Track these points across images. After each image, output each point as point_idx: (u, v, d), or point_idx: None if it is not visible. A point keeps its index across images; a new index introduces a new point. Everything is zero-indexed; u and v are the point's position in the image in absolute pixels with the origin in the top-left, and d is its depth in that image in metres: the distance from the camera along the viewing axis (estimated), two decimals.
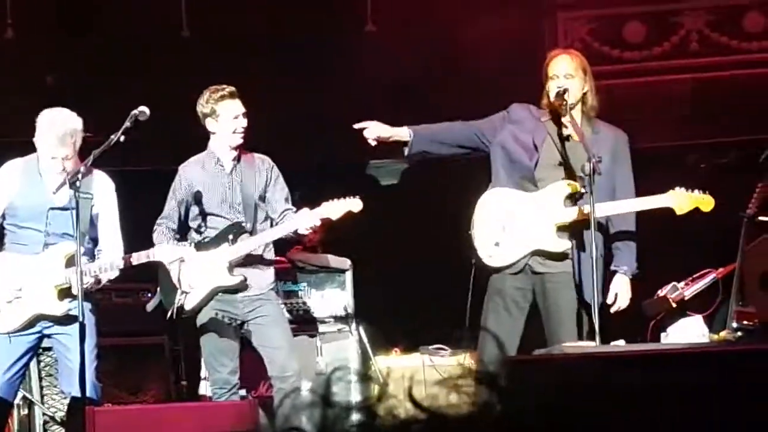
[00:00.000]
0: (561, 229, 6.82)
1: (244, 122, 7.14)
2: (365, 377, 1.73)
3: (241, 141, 7.17)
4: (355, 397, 1.70)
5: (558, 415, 1.76)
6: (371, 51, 9.79)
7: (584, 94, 6.93)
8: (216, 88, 7.16)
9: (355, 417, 1.72)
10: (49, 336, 6.77)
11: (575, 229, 6.81)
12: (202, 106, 7.17)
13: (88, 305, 6.52)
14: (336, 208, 6.93)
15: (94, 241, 6.86)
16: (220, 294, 7.12)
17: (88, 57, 10.01)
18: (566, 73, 6.88)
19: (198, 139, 7.45)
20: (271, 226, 7.22)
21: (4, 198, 6.66)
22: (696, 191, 6.78)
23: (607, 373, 3.06)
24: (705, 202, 6.76)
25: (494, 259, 6.87)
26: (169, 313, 7.17)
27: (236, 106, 7.12)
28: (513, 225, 6.84)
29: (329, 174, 11.28)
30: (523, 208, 6.84)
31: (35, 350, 6.90)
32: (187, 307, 7.10)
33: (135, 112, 6.66)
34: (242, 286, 7.08)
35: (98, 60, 10.01)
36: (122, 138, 6.57)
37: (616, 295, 6.88)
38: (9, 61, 9.94)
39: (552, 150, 6.90)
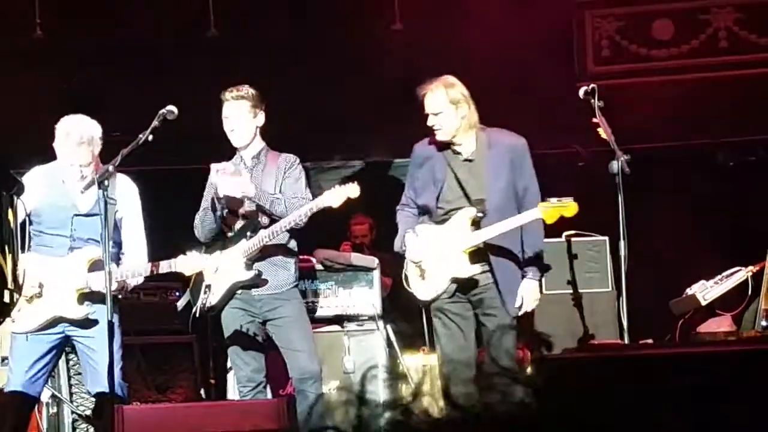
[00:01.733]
0: (472, 254, 6.88)
1: (231, 125, 7.15)
2: (399, 376, 1.72)
3: (236, 144, 7.18)
4: (389, 395, 1.70)
5: (588, 413, 1.75)
6: (398, 49, 9.79)
7: (463, 118, 6.90)
8: (227, 89, 7.20)
9: (390, 415, 1.71)
10: (72, 338, 6.79)
11: (491, 249, 6.87)
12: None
13: (113, 308, 6.53)
14: (336, 196, 6.97)
15: (119, 245, 6.87)
16: (240, 292, 7.13)
17: (115, 56, 10.04)
18: (433, 112, 6.92)
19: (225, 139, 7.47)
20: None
21: (29, 204, 6.65)
22: (557, 200, 6.73)
23: (639, 372, 3.04)
24: (567, 208, 6.73)
25: (422, 293, 7.03)
26: (194, 311, 7.19)
27: (230, 109, 7.17)
28: (431, 259, 6.96)
29: (354, 172, 11.30)
30: (436, 241, 6.94)
31: (60, 350, 6.91)
32: (210, 304, 7.12)
33: (163, 111, 6.66)
34: (258, 281, 7.09)
35: (125, 59, 10.05)
36: (150, 137, 6.58)
37: (523, 297, 6.89)
38: (38, 60, 9.98)
39: (452, 179, 6.95)
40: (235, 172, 7.07)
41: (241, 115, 7.14)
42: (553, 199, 6.71)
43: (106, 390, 6.43)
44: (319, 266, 8.27)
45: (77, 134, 6.72)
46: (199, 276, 7.17)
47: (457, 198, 6.93)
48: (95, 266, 6.64)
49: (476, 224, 6.86)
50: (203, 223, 7.19)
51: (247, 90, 7.17)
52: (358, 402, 1.70)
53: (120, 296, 6.76)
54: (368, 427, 1.69)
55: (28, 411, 6.89)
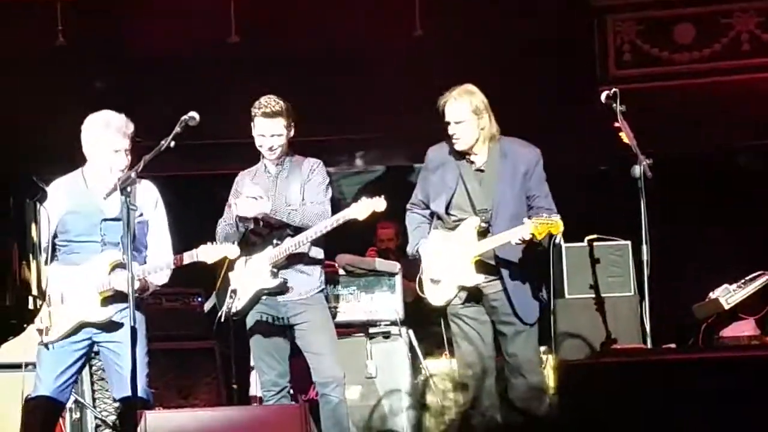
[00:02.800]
0: (478, 263, 6.91)
1: (269, 142, 7.17)
2: (460, 385, 1.72)
3: (270, 157, 7.22)
4: (446, 402, 1.71)
5: (612, 418, 1.76)
6: (419, 55, 9.80)
7: (482, 129, 6.91)
8: (261, 101, 7.19)
9: (450, 420, 1.72)
10: (98, 343, 6.80)
11: (501, 259, 6.88)
12: (250, 114, 7.23)
13: (138, 314, 6.54)
14: (362, 209, 6.99)
15: (143, 249, 6.88)
16: (265, 298, 7.16)
17: (137, 62, 10.07)
18: (455, 120, 6.91)
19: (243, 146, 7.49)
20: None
21: (54, 218, 6.66)
22: (546, 216, 6.70)
23: (662, 377, 3.04)
24: (553, 225, 6.71)
25: (434, 299, 7.09)
26: (219, 315, 7.21)
27: (267, 126, 7.15)
28: (440, 266, 7.00)
29: (375, 178, 11.32)
30: (445, 249, 6.98)
31: (87, 357, 6.93)
32: (234, 309, 7.14)
33: (185, 117, 6.66)
34: (283, 288, 7.12)
35: (147, 65, 10.08)
36: (173, 143, 6.59)
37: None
38: (60, 68, 10.02)
39: (462, 188, 6.97)
40: (251, 195, 7.10)
41: (276, 132, 7.16)
42: (544, 215, 6.71)
43: (131, 395, 6.45)
44: (341, 271, 8.28)
45: (118, 120, 6.75)
46: (226, 280, 7.20)
47: (464, 207, 6.96)
48: (116, 268, 6.67)
49: (482, 234, 6.89)
50: (226, 235, 7.21)
51: (281, 105, 7.17)
52: (420, 407, 1.71)
53: (143, 296, 6.77)
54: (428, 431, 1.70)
55: (54, 417, 6.90)
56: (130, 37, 10.08)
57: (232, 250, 6.91)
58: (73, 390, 7.07)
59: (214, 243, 6.90)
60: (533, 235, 6.67)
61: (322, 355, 7.12)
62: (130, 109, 6.91)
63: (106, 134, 6.74)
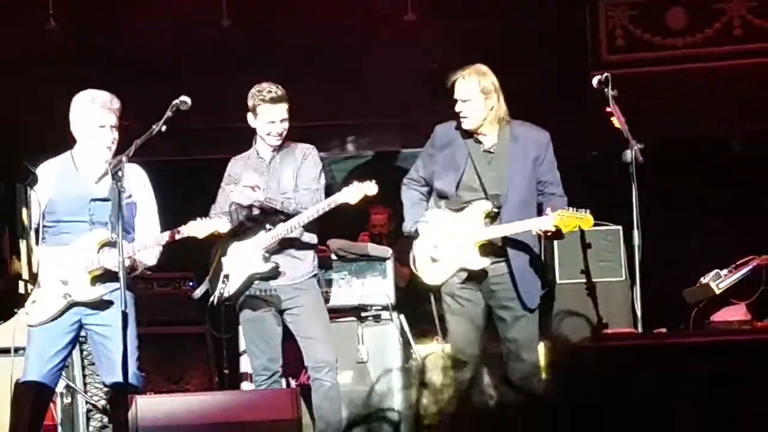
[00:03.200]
0: (483, 246, 6.88)
1: (279, 127, 7.17)
2: (458, 363, 1.72)
3: (276, 143, 7.20)
4: (446, 381, 1.71)
5: (604, 402, 1.75)
6: (411, 40, 9.78)
7: (491, 109, 6.88)
8: (263, 88, 7.18)
9: (449, 399, 1.72)
10: (86, 326, 6.78)
11: (508, 242, 6.86)
12: (248, 100, 7.21)
13: (128, 295, 6.53)
14: (353, 193, 7.01)
15: (131, 230, 6.86)
16: (257, 282, 7.17)
17: (128, 47, 10.04)
18: (462, 98, 6.89)
19: (238, 130, 7.48)
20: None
21: (43, 199, 6.66)
22: (575, 210, 6.71)
23: (654, 361, 3.04)
24: (584, 220, 6.72)
25: (430, 277, 7.04)
26: (211, 299, 7.21)
27: (275, 112, 7.15)
28: (442, 245, 6.96)
29: (365, 162, 11.32)
30: (450, 229, 6.94)
31: (76, 340, 6.92)
32: (227, 294, 7.15)
33: (176, 101, 6.66)
34: (275, 273, 7.13)
35: (138, 49, 10.05)
36: (163, 128, 6.58)
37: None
38: (50, 51, 9.99)
39: (471, 168, 6.93)
40: (248, 184, 7.10)
41: (284, 117, 7.17)
42: (571, 209, 6.68)
43: (121, 380, 6.44)
44: (333, 256, 8.27)
45: (104, 96, 6.74)
46: (218, 266, 7.21)
47: (474, 189, 6.92)
48: (105, 247, 6.65)
49: (491, 218, 6.86)
50: None
51: (282, 90, 7.19)
52: (419, 385, 1.70)
53: (131, 276, 6.74)
54: (427, 410, 1.70)
55: (45, 401, 6.89)
56: (125, 28, 10.06)
57: (221, 224, 6.89)
58: (63, 374, 7.06)
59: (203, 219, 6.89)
60: (557, 228, 6.65)
61: (314, 340, 7.13)
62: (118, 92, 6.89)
63: (92, 109, 6.73)
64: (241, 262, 7.17)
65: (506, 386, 1.88)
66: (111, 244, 6.61)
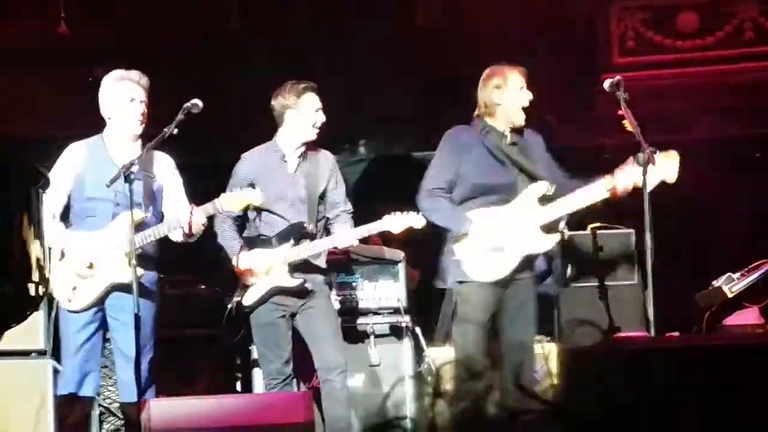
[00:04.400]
0: (545, 228, 6.91)
1: (323, 117, 7.15)
2: (474, 374, 1.70)
3: (316, 137, 7.17)
4: (461, 389, 1.70)
5: (617, 405, 1.75)
6: (422, 42, 9.78)
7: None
8: (299, 82, 7.18)
9: (464, 408, 1.71)
10: (107, 321, 6.79)
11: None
12: (284, 98, 7.16)
13: (149, 299, 6.60)
14: (398, 223, 7.02)
15: (160, 213, 6.86)
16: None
17: (137, 49, 10.05)
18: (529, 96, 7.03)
19: (246, 131, 7.48)
20: (326, 224, 7.24)
21: (70, 177, 6.69)
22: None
23: (667, 365, 3.03)
24: (671, 156, 6.76)
25: (494, 272, 6.91)
26: (229, 308, 7.19)
27: (318, 100, 7.15)
28: (503, 236, 6.89)
29: (378, 165, 11.31)
30: (506, 219, 6.90)
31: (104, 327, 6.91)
32: (246, 303, 7.13)
33: (188, 104, 6.66)
34: (301, 289, 7.10)
35: (148, 51, 10.06)
36: (175, 131, 6.59)
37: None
38: (62, 54, 10.00)
39: (507, 160, 6.95)
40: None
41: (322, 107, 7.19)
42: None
43: (131, 383, 6.48)
44: (344, 258, 8.26)
45: (132, 74, 6.80)
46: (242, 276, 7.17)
47: (515, 178, 6.93)
48: (139, 228, 6.62)
49: (544, 200, 6.87)
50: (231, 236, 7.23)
51: None
52: (433, 394, 1.70)
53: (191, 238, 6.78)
54: (442, 417, 1.69)
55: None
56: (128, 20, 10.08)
57: (253, 195, 6.85)
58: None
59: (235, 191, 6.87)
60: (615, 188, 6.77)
61: (325, 343, 7.11)
62: None
63: (121, 84, 6.77)
64: (263, 273, 7.15)
65: (519, 391, 1.88)
66: (145, 224, 6.65)
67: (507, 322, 6.93)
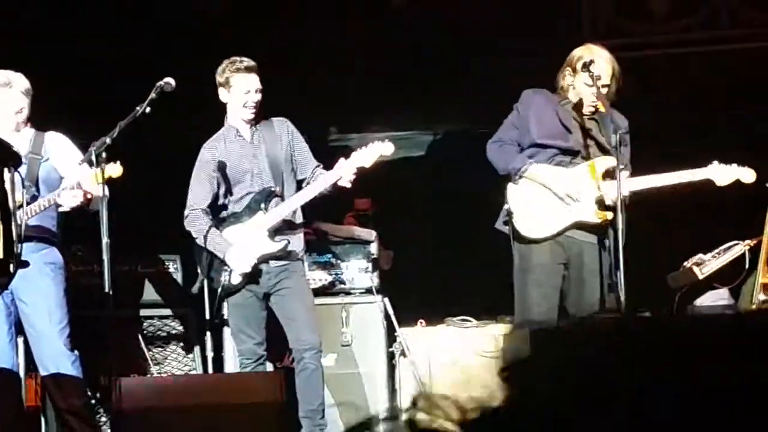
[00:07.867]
0: (600, 202, 6.93)
1: (255, 97, 7.11)
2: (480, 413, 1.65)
3: (251, 116, 7.15)
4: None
5: (584, 385, 1.75)
6: (399, 25, 9.77)
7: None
8: (234, 60, 7.14)
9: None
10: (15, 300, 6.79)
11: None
12: (219, 75, 7.16)
13: (56, 263, 6.64)
14: (368, 155, 6.96)
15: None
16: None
17: (117, 32, 10.00)
18: (605, 83, 7.03)
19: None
20: (300, 187, 7.22)
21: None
22: (735, 165, 6.90)
23: (636, 345, 3.05)
24: (745, 173, 6.83)
25: (533, 229, 7.01)
26: (219, 293, 7.14)
27: (249, 81, 7.10)
28: (554, 199, 6.97)
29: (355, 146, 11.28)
30: (570, 180, 6.97)
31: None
32: (234, 281, 7.08)
33: (160, 83, 6.66)
34: (285, 252, 7.08)
35: (127, 33, 10.01)
36: (148, 109, 6.57)
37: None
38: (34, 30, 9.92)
39: (579, 129, 7.04)
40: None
41: (258, 87, 7.14)
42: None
43: (45, 360, 6.56)
44: (317, 238, 8.26)
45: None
46: (216, 258, 7.13)
47: (583, 147, 7.02)
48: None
49: (608, 176, 6.91)
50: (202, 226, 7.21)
51: (253, 61, 7.17)
52: (407, 426, 1.67)
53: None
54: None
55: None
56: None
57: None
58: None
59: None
60: (713, 180, 6.95)
61: (299, 321, 7.11)
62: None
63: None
64: (245, 248, 7.11)
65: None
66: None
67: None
